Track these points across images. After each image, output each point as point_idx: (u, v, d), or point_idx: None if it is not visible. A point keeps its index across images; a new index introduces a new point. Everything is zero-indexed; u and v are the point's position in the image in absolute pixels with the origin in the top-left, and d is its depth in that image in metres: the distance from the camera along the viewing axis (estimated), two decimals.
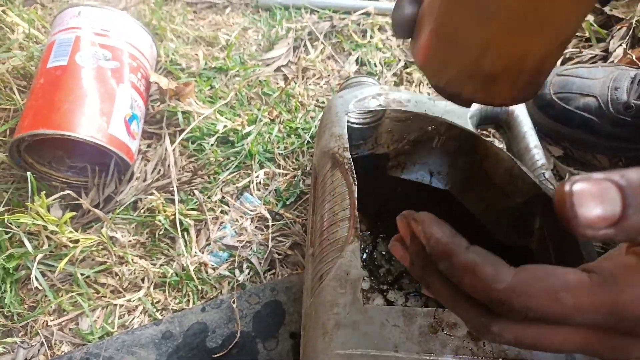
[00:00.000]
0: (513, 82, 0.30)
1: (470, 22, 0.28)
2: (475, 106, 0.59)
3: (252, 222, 0.65)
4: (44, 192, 0.60)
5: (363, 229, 0.61)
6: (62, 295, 0.59)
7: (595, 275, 0.21)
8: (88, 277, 0.60)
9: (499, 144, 0.69)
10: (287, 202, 0.67)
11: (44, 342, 0.56)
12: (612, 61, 0.73)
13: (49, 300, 0.59)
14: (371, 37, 0.87)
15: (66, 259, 0.59)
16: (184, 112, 0.72)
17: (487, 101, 0.32)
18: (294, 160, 0.72)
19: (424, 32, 0.31)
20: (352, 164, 0.49)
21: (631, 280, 0.21)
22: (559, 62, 0.77)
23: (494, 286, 0.22)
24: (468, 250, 0.23)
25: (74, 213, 0.63)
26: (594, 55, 0.76)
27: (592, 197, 0.19)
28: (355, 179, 0.48)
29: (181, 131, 0.71)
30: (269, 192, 0.68)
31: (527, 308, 0.21)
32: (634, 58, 0.69)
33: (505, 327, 0.23)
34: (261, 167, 0.71)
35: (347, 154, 0.51)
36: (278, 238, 0.64)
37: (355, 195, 0.47)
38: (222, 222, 0.65)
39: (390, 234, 0.61)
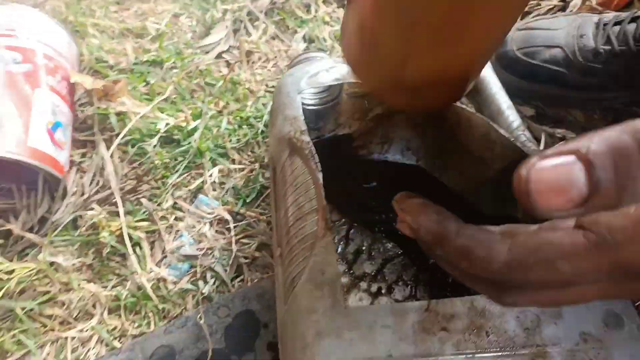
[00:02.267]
0: (435, 93, 0.30)
1: (392, 26, 0.27)
2: None
3: (211, 226, 0.59)
4: None
5: (334, 219, 0.55)
6: (2, 335, 0.52)
7: (591, 233, 0.19)
8: (31, 310, 0.53)
9: None
10: (248, 200, 0.61)
11: None
12: (571, 10, 0.70)
13: None
14: (316, 11, 0.81)
15: (0, 294, 0.52)
16: (117, 114, 0.65)
17: (410, 109, 0.34)
18: (249, 153, 0.65)
19: (350, 29, 0.30)
20: (313, 147, 0.44)
21: (631, 235, 0.18)
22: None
23: (490, 268, 0.21)
24: (458, 235, 0.23)
25: (2, 241, 0.55)
26: (552, 7, 0.73)
27: (552, 182, 0.18)
28: (319, 164, 0.42)
29: (117, 135, 0.64)
30: (226, 191, 0.62)
31: (528, 281, 0.21)
32: (594, 4, 0.65)
33: (517, 296, 0.22)
34: (214, 164, 0.64)
35: (306, 137, 0.45)
36: (242, 240, 0.58)
37: (321, 182, 0.41)
38: (178, 231, 0.59)
39: (366, 221, 0.56)
